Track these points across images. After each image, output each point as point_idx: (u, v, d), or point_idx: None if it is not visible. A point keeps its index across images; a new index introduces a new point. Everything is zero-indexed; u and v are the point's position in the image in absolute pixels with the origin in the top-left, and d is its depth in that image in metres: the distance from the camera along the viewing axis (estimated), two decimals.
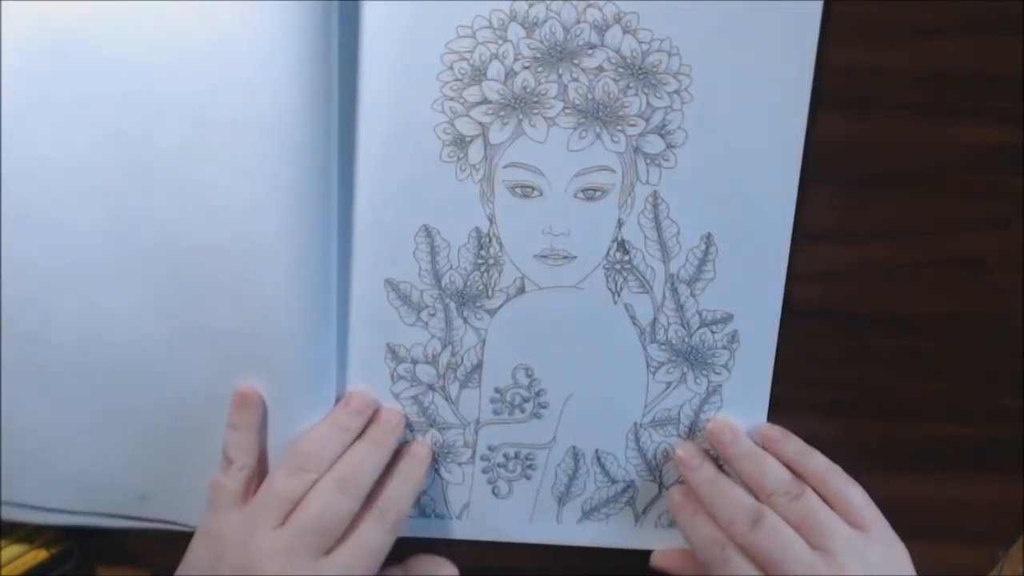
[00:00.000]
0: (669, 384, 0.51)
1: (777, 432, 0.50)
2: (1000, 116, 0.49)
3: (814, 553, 0.46)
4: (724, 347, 0.51)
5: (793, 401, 0.52)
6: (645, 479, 0.52)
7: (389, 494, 0.48)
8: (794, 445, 0.50)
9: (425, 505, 0.52)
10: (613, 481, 0.52)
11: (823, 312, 0.51)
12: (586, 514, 0.53)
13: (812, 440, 0.51)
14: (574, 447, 0.52)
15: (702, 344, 0.50)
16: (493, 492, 0.52)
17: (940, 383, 0.53)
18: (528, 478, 0.52)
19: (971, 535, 0.55)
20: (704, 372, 0.51)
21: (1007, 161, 0.49)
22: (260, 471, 0.48)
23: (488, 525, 0.53)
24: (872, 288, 0.51)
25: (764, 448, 0.50)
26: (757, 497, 0.48)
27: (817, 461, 0.49)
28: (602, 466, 0.52)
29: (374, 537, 0.46)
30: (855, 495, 0.48)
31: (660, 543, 0.53)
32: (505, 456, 0.52)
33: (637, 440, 0.52)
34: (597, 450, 0.52)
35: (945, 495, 0.54)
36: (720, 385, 0.51)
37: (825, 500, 0.48)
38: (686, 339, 0.50)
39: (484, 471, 0.52)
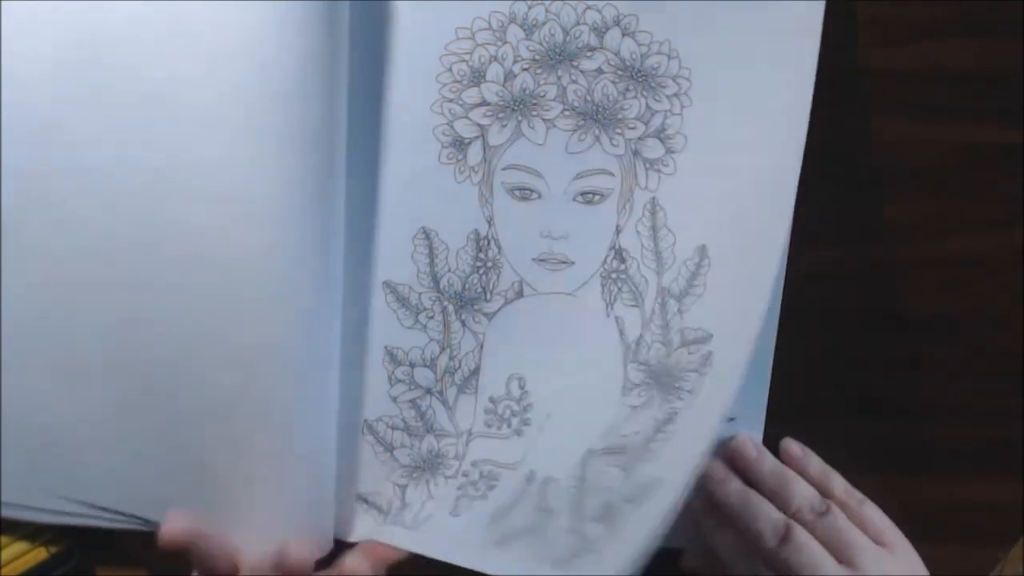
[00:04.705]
0: (634, 408, 0.50)
1: (797, 448, 0.51)
2: (1000, 116, 0.49)
3: (841, 567, 0.46)
4: (694, 370, 0.49)
5: (793, 401, 0.52)
6: (578, 517, 0.50)
7: None
8: (816, 465, 0.50)
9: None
10: (551, 512, 0.50)
11: (823, 312, 0.51)
12: (510, 544, 0.51)
13: (812, 440, 0.51)
14: (533, 471, 0.50)
15: (676, 366, 0.50)
16: (453, 508, 0.51)
17: (940, 383, 0.53)
18: (484, 499, 0.51)
19: (971, 535, 0.55)
20: (669, 398, 0.50)
21: (1007, 161, 0.49)
22: None
23: (433, 540, 0.51)
24: (872, 288, 0.51)
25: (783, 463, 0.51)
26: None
27: (836, 482, 0.50)
28: (545, 494, 0.50)
29: None
30: (877, 515, 0.48)
31: None
32: (480, 474, 0.51)
33: (584, 468, 0.50)
34: (548, 477, 0.50)
35: (945, 495, 0.54)
36: (677, 412, 0.50)
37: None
38: (664, 360, 0.50)
39: (459, 488, 0.51)
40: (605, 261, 0.49)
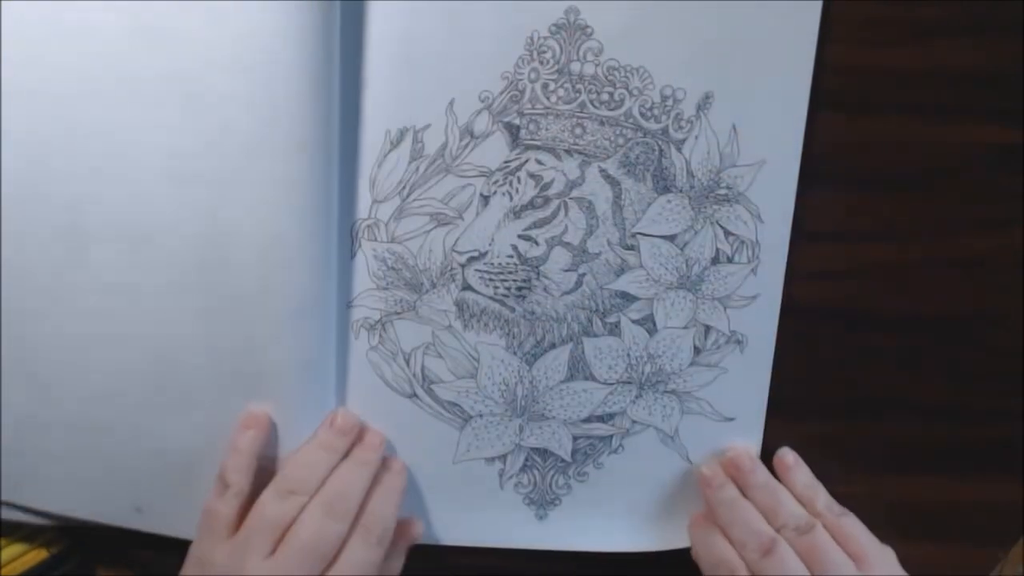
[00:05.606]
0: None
1: (791, 459, 0.51)
2: (1000, 116, 0.49)
3: None
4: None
5: (793, 401, 0.52)
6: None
7: (374, 510, 0.48)
8: (805, 477, 0.51)
9: None
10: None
11: (823, 312, 0.51)
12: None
13: (812, 440, 0.52)
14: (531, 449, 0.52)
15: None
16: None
17: (940, 383, 0.53)
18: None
19: (971, 535, 0.55)
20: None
21: (1007, 161, 0.49)
22: (253, 495, 0.47)
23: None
24: (872, 288, 0.51)
25: (774, 470, 0.51)
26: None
27: (821, 496, 0.50)
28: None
29: (363, 555, 0.47)
30: (859, 529, 0.49)
31: None
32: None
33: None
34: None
35: (945, 495, 0.54)
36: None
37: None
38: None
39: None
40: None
